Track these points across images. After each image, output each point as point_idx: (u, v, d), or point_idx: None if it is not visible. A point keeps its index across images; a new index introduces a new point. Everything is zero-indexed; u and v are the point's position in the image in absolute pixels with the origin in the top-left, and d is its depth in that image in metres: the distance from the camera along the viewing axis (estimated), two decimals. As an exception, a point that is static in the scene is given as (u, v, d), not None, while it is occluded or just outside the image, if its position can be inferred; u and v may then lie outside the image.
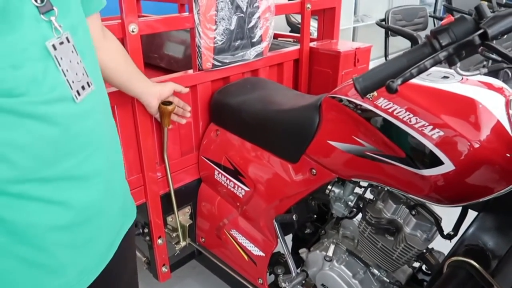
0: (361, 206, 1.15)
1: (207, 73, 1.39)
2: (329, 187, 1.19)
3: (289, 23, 4.09)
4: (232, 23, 1.37)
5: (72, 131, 0.62)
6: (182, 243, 1.47)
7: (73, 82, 0.61)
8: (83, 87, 0.64)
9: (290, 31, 3.97)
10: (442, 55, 0.59)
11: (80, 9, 0.68)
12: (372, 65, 1.94)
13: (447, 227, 1.04)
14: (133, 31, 1.13)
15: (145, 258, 1.55)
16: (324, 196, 1.21)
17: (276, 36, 2.08)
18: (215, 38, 1.34)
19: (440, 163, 0.84)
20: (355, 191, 1.19)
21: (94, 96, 0.67)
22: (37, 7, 0.56)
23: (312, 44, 1.77)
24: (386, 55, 3.29)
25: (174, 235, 1.48)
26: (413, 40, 2.91)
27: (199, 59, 1.34)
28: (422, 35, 3.34)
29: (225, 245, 1.45)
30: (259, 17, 1.46)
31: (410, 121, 0.88)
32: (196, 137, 1.48)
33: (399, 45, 5.16)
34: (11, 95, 0.54)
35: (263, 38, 1.51)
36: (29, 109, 0.55)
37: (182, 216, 1.52)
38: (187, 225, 1.50)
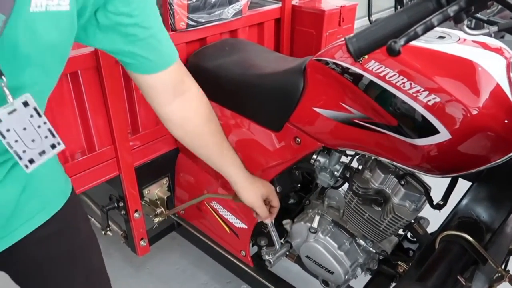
0: (347, 176, 1.10)
1: (181, 34, 1.27)
2: (314, 156, 1.12)
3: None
4: (207, -22, 1.24)
5: None
6: (160, 217, 1.41)
7: (24, 151, 0.53)
8: (42, 152, 0.55)
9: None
10: (451, 9, 0.51)
11: (50, 69, 0.58)
12: (356, 25, 1.85)
13: (436, 197, 1.00)
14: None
15: (121, 232, 1.48)
16: (309, 166, 1.15)
17: (256, -7, 1.94)
18: (188, -6, 1.21)
19: (435, 131, 0.77)
20: (341, 160, 1.13)
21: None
22: None
23: (294, 2, 1.66)
24: (369, 15, 3.17)
25: (151, 208, 1.41)
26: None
27: (172, 18, 1.21)
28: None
29: (206, 217, 1.39)
30: (237, -29, 1.33)
31: (403, 86, 0.80)
32: (172, 104, 1.38)
33: (382, 4, 5.03)
34: None
35: (241, -5, 1.39)
36: None
37: (159, 188, 1.44)
38: (165, 197, 1.43)
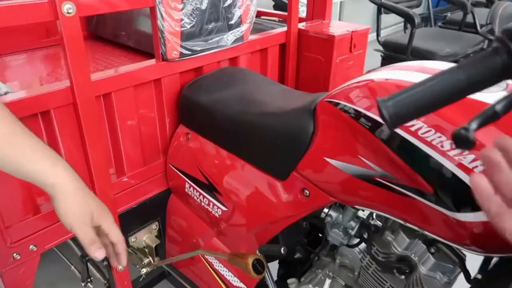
0: (364, 236, 0.93)
1: (173, 64, 1.12)
2: (325, 210, 0.96)
3: (273, -4, 3.76)
4: (204, 2, 1.10)
5: None
6: (148, 268, 1.24)
7: None
8: None
9: (274, 6, 3.65)
10: None
11: None
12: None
13: (472, 267, 0.83)
14: (68, 12, 0.84)
15: (105, 282, 1.31)
16: (319, 221, 0.99)
17: (258, 14, 1.81)
18: (182, 20, 1.06)
19: (484, 206, 0.61)
20: (357, 215, 0.96)
21: None
22: None
23: (301, 26, 1.51)
24: (378, 34, 3.04)
25: (138, 257, 1.25)
26: (409, 18, 2.67)
27: (163, 47, 1.06)
28: (418, 11, 3.10)
29: (199, 270, 1.22)
30: (238, -7, 1.19)
31: (442, 147, 0.64)
32: (163, 141, 1.22)
33: (389, 20, 4.92)
34: None
35: (243, 19, 1.24)
36: None
37: (148, 235, 1.28)
38: (154, 245, 1.27)
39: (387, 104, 0.43)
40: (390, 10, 2.71)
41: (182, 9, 1.05)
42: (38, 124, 0.93)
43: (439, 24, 3.78)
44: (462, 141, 0.35)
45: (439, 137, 0.64)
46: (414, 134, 0.67)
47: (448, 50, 2.68)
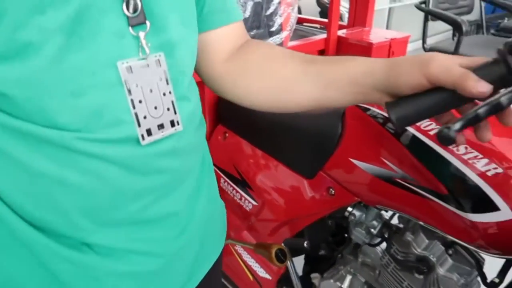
0: (385, 235, 0.97)
1: (215, 67, 1.22)
2: (349, 209, 1.01)
3: (319, 2, 3.81)
4: (247, 10, 1.18)
5: (137, 172, 0.48)
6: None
7: (144, 117, 0.46)
8: (161, 126, 0.49)
9: (320, 12, 3.70)
10: None
11: (190, 22, 0.53)
12: (408, 48, 1.70)
13: (491, 272, 0.85)
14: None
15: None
16: (343, 219, 1.04)
17: (300, 21, 1.87)
18: (225, 26, 1.15)
19: (495, 208, 0.64)
20: (380, 215, 1.01)
21: (179, 138, 0.51)
22: (127, 17, 0.43)
23: (341, 33, 1.56)
24: (424, 42, 3.00)
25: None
26: (456, 25, 2.61)
27: (207, 51, 1.16)
28: (467, 19, 3.02)
29: (229, 259, 1.31)
30: (279, 2, 1.27)
31: (457, 150, 0.68)
32: (203, 138, 1.32)
33: (439, 27, 4.79)
34: (63, 128, 0.42)
35: (283, 26, 1.32)
36: (82, 146, 0.43)
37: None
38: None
39: (395, 108, 0.48)
40: (437, 17, 2.67)
41: (226, 16, 1.14)
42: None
43: (492, 31, 3.65)
44: (444, 138, 0.40)
45: (455, 142, 0.68)
46: (432, 138, 0.71)
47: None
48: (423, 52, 2.96)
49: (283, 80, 0.58)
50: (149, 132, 0.47)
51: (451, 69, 0.42)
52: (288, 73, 0.58)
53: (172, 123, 0.49)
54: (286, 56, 0.60)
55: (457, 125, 0.40)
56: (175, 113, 0.49)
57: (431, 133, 0.72)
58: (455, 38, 2.86)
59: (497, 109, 0.40)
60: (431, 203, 0.75)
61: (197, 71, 0.63)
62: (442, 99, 0.45)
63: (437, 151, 0.71)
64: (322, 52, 1.54)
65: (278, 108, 0.61)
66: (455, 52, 2.62)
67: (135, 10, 0.43)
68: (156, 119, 0.47)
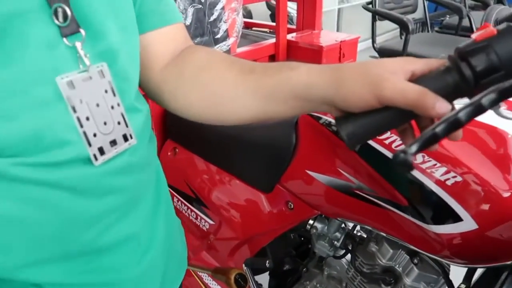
0: (349, 247, 0.93)
1: (159, 79, 1.13)
2: (310, 222, 0.96)
3: (269, 5, 3.79)
4: (188, 17, 1.11)
5: (90, 196, 0.43)
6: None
7: (94, 135, 0.42)
8: (113, 142, 0.43)
9: (271, 15, 3.68)
10: (486, 99, 0.35)
11: (128, 26, 0.48)
12: (359, 48, 1.70)
13: (456, 278, 0.83)
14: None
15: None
16: (305, 232, 0.99)
17: (248, 25, 1.83)
18: (166, 36, 1.07)
19: (458, 218, 0.61)
20: (342, 226, 0.96)
21: (133, 152, 0.46)
22: (58, 27, 0.38)
23: (290, 37, 1.52)
24: (373, 41, 3.05)
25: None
26: (403, 25, 2.67)
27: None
28: (412, 17, 3.11)
29: (190, 284, 1.22)
30: (222, 8, 1.20)
31: (414, 160, 0.64)
32: (152, 156, 1.23)
33: (387, 26, 4.92)
34: None
35: (229, 33, 1.25)
36: (20, 173, 0.38)
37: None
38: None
39: (344, 125, 0.43)
40: (384, 17, 2.72)
41: (166, 25, 1.06)
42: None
43: (436, 29, 3.78)
44: (401, 164, 0.35)
45: (412, 150, 0.65)
46: (388, 147, 0.68)
47: (443, 55, 2.67)
48: (373, 52, 3.02)
49: (219, 92, 0.52)
50: (101, 151, 0.42)
51: (406, 92, 0.38)
52: (224, 84, 0.52)
53: (125, 138, 0.45)
54: (224, 65, 0.53)
55: (413, 148, 0.35)
56: (127, 126, 0.45)
57: (386, 142, 0.68)
58: (403, 37, 2.94)
59: (456, 126, 0.36)
60: (392, 214, 0.71)
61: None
62: (396, 115, 0.40)
63: (394, 160, 0.67)
64: (272, 57, 1.49)
65: (219, 121, 0.55)
66: (404, 50, 2.68)
67: (65, 19, 0.38)
68: (107, 135, 0.43)
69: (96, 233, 0.45)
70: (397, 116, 0.41)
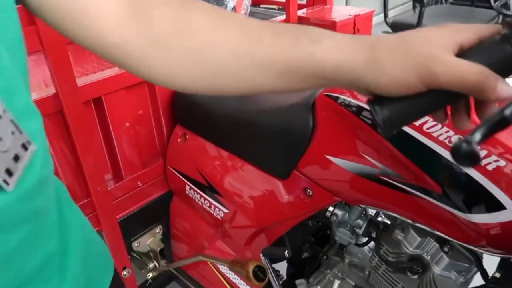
0: (373, 235, 0.88)
1: (166, 63, 1.07)
2: (330, 209, 0.91)
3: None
4: (194, -6, 1.04)
5: (3, 231, 0.33)
6: (154, 272, 1.21)
7: None
8: (15, 158, 0.34)
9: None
10: None
11: None
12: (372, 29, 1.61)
13: (490, 266, 0.77)
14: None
15: None
16: (324, 219, 0.94)
17: (256, 3, 1.74)
18: (171, 16, 1.01)
19: (500, 207, 0.55)
20: (364, 213, 0.91)
21: (40, 163, 0.36)
22: None
23: (301, 13, 1.44)
24: (386, 15, 2.93)
25: (143, 262, 1.22)
26: (417, -3, 2.55)
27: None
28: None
29: (206, 273, 1.19)
30: (230, -16, 1.13)
31: (449, 142, 0.58)
32: (161, 143, 1.18)
33: (397, 1, 4.75)
34: None
35: (237, 10, 1.18)
36: None
37: (151, 239, 1.25)
38: (158, 249, 1.24)
39: (379, 108, 0.37)
40: (397, -11, 2.60)
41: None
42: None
43: (450, 0, 3.63)
44: (465, 156, 0.29)
45: (447, 131, 0.58)
46: (419, 129, 0.61)
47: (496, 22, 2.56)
48: (386, 26, 2.90)
49: (216, 63, 0.41)
50: (9, 172, 0.33)
51: (464, 74, 0.32)
52: (226, 55, 0.41)
53: (24, 146, 0.35)
54: (226, 28, 0.41)
55: (477, 136, 0.29)
56: (21, 133, 0.35)
57: (416, 123, 0.62)
58: (416, 10, 2.81)
59: None
60: (421, 201, 0.66)
61: (87, 47, 0.43)
62: (442, 98, 0.34)
63: (425, 144, 0.61)
64: (283, 36, 1.41)
65: (215, 93, 0.46)
66: (418, 24, 2.56)
67: None
68: (6, 152, 0.33)
69: (12, 275, 0.36)
70: (443, 99, 0.35)
